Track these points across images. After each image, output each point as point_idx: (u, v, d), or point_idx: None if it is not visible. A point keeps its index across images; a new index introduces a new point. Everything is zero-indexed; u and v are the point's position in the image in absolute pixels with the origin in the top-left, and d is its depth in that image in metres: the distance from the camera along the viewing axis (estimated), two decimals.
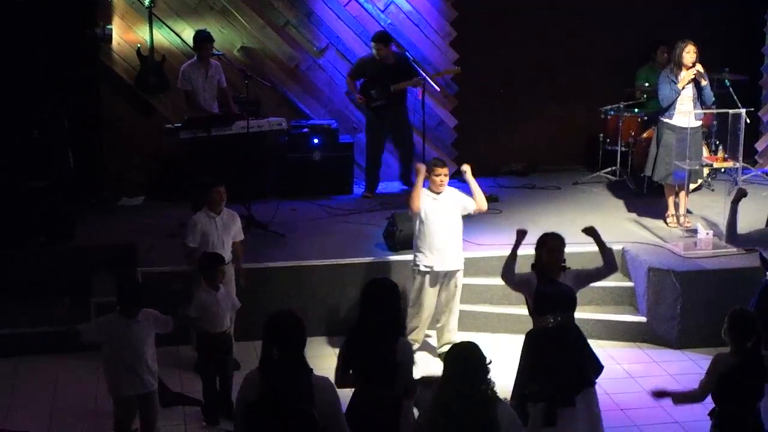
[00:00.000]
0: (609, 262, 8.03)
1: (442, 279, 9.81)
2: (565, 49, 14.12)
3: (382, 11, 13.53)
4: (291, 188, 12.85)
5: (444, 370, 5.82)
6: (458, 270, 9.86)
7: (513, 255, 7.87)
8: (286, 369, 5.76)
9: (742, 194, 8.83)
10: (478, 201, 9.94)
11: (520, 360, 7.78)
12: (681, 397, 7.16)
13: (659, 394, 7.19)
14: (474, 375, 5.73)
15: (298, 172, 13.00)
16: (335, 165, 13.15)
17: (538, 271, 7.74)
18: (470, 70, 13.77)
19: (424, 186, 9.79)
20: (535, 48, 14.06)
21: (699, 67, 11.21)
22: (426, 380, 6.91)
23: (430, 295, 9.82)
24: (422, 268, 9.75)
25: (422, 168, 9.80)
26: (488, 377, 5.78)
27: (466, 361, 5.78)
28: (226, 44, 13.19)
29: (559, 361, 7.57)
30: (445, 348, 9.83)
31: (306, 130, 13.07)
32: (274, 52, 13.41)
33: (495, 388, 5.82)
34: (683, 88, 11.24)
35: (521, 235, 7.91)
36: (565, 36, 14.11)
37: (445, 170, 9.77)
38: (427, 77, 12.56)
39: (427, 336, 10.21)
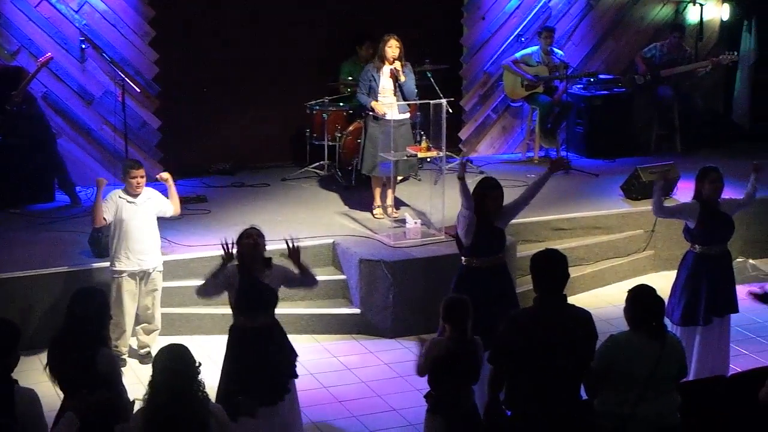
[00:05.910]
0: (310, 279, 7.98)
1: (141, 282, 9.61)
2: (269, 45, 14.04)
3: (76, 12, 13.01)
4: None
5: (153, 374, 5.65)
6: (157, 270, 9.70)
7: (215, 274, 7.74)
8: None
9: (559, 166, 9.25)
10: (175, 205, 9.83)
11: (225, 360, 7.69)
12: (416, 366, 7.21)
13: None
14: (184, 377, 5.59)
15: None
16: (35, 172, 12.50)
17: (240, 268, 7.62)
18: (172, 69, 13.51)
19: (121, 187, 9.58)
20: (239, 46, 13.90)
21: (397, 65, 11.34)
22: None
23: (130, 300, 9.59)
24: (120, 272, 9.52)
25: (102, 182, 9.53)
26: (199, 379, 5.66)
27: (175, 363, 5.63)
28: None
29: (262, 362, 7.52)
30: (145, 350, 9.78)
31: (1, 137, 12.39)
32: None
33: (206, 390, 5.73)
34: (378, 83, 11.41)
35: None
36: (269, 33, 14.03)
37: (141, 172, 9.53)
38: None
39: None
